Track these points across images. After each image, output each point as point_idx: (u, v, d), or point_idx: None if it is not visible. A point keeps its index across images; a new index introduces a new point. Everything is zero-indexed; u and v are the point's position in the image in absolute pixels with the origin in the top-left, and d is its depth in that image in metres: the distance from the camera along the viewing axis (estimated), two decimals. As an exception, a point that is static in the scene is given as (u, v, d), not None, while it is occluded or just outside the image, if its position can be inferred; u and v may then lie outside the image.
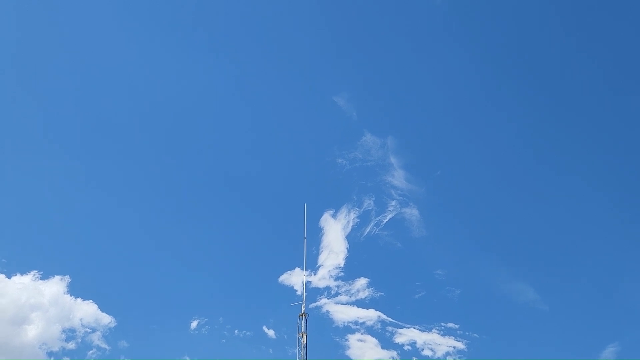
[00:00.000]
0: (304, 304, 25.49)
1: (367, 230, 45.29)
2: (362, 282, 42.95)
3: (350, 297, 42.47)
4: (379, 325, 41.40)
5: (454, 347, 40.21)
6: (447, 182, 49.43)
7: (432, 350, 40.23)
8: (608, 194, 47.68)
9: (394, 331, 41.14)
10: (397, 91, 52.52)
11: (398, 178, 47.24)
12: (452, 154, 50.70)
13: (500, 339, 41.78)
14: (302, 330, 25.10)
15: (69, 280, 41.00)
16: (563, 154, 49.62)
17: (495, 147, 50.97)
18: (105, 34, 51.98)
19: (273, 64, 53.42)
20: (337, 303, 42.28)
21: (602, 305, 42.71)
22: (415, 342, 40.52)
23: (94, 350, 39.18)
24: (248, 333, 41.62)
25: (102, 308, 40.51)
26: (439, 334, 40.90)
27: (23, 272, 40.63)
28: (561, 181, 48.76)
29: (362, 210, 45.86)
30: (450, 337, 40.72)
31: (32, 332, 38.14)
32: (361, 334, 41.16)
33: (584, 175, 48.66)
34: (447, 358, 40.05)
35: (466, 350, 40.23)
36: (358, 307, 42.13)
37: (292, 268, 42.07)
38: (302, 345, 24.77)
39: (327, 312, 41.93)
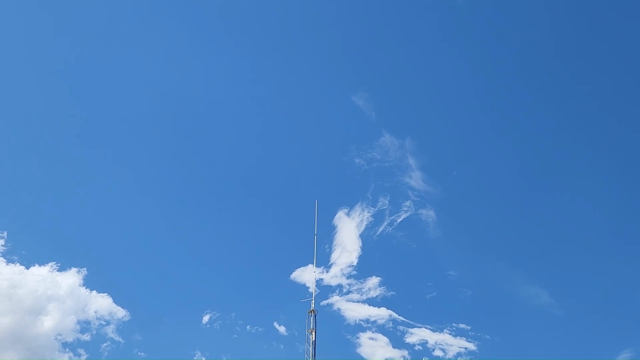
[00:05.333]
0: (313, 301, 25.60)
1: (381, 229, 45.34)
2: (374, 280, 43.02)
3: (361, 295, 42.57)
4: (391, 324, 41.46)
5: (466, 348, 40.12)
6: (463, 184, 49.42)
7: (443, 350, 40.19)
8: (625, 198, 47.22)
9: (405, 330, 41.17)
10: (416, 92, 52.65)
11: (415, 179, 47.19)
12: (470, 156, 50.72)
13: (512, 342, 41.58)
14: (311, 327, 25.21)
15: (86, 272, 41.69)
16: (581, 157, 49.27)
17: (512, 150, 50.77)
18: (119, 32, 52.92)
19: (293, 63, 53.87)
20: (349, 301, 42.43)
21: (617, 311, 42.28)
22: (426, 342, 40.54)
23: (108, 343, 39.82)
24: (260, 329, 41.96)
25: (117, 301, 41.10)
26: (450, 334, 40.85)
27: (41, 264, 41.35)
28: (578, 184, 48.36)
29: (376, 209, 45.91)
30: (462, 338, 40.63)
31: (48, 322, 38.79)
32: (372, 332, 41.27)
33: (602, 179, 48.30)
34: (458, 359, 40.00)
35: (477, 351, 40.15)
36: (370, 305, 42.29)
37: (304, 265, 42.29)
38: (311, 342, 24.87)
39: (339, 309, 42.11)
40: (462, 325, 41.06)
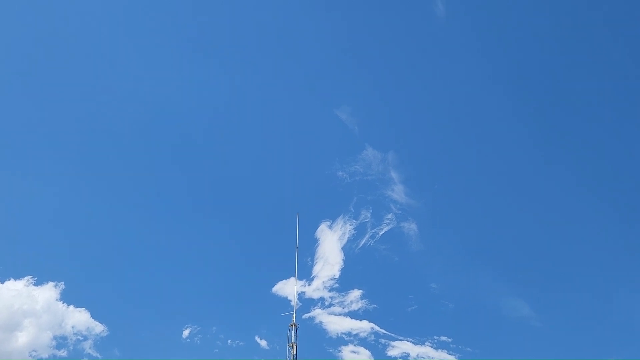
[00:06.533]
0: (294, 314, 25.46)
1: (363, 242, 45.39)
2: (356, 293, 42.95)
3: (343, 308, 42.47)
4: (372, 337, 41.36)
5: (447, 361, 40.13)
6: (445, 197, 49.77)
7: (424, 363, 40.16)
8: (604, 212, 47.99)
9: (387, 343, 41.08)
10: (399, 106, 53.21)
11: (398, 192, 47.51)
12: (452, 169, 51.21)
13: (493, 354, 41.55)
14: (292, 341, 25.00)
15: (63, 287, 41.02)
16: (560, 171, 49.97)
17: (493, 164, 51.42)
18: (110, 41, 52.71)
19: (276, 76, 54.04)
20: (331, 314, 42.27)
21: (596, 323, 42.70)
22: (408, 355, 40.45)
23: (85, 359, 39.06)
24: (241, 343, 41.54)
25: (95, 316, 40.42)
26: (432, 347, 40.84)
27: (17, 278, 40.59)
28: (558, 198, 49.05)
29: (358, 222, 46.05)
30: (444, 350, 40.67)
31: (23, 338, 38.00)
32: (354, 345, 41.09)
33: (581, 193, 49.02)
34: (440, 371, 39.98)
35: (459, 364, 40.17)
36: (351, 318, 42.18)
37: (286, 278, 42.02)
38: (292, 356, 24.67)
39: (321, 322, 41.92)
40: (443, 338, 41.21)
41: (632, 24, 50.87)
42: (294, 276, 27.74)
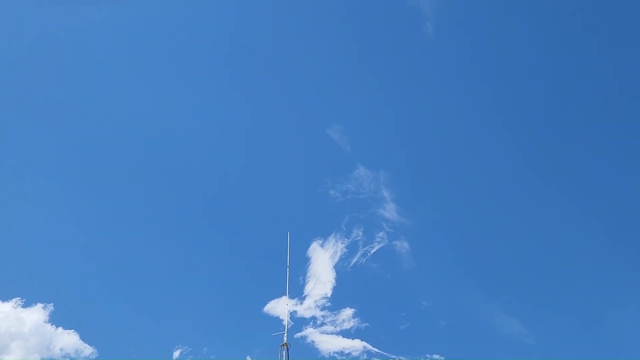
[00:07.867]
0: (285, 334, 25.34)
1: (354, 260, 45.36)
2: (348, 312, 42.80)
3: (335, 327, 42.27)
4: (365, 356, 41.12)
5: (440, 379, 39.85)
6: (437, 215, 50.11)
7: (417, 381, 39.87)
8: (595, 230, 48.35)
9: (379, 362, 40.81)
10: (390, 125, 53.77)
11: (389, 211, 47.74)
12: (443, 188, 51.61)
13: (485, 372, 41.49)
14: (284, 361, 24.88)
15: (52, 308, 40.56)
16: (551, 190, 50.47)
17: (483, 181, 51.82)
18: (106, 55, 52.94)
19: (268, 96, 54.56)
20: (323, 333, 42.04)
21: (588, 339, 42.75)
22: (401, 373, 40.15)
23: (74, 381, 38.49)
24: (232, 364, 41.08)
25: (84, 338, 39.96)
26: (424, 365, 40.60)
27: (5, 300, 40.13)
28: (549, 216, 49.39)
29: (350, 240, 46.07)
30: (436, 368, 40.41)
31: (10, 361, 37.39)
32: (347, 365, 40.80)
33: (572, 211, 49.41)
34: (433, 390, 39.67)
35: (451, 381, 39.94)
36: (344, 337, 41.94)
37: (278, 297, 41.74)
38: (284, 376, 24.52)
39: (313, 342, 41.64)
40: (435, 356, 40.95)
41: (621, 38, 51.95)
42: (286, 295, 27.67)
